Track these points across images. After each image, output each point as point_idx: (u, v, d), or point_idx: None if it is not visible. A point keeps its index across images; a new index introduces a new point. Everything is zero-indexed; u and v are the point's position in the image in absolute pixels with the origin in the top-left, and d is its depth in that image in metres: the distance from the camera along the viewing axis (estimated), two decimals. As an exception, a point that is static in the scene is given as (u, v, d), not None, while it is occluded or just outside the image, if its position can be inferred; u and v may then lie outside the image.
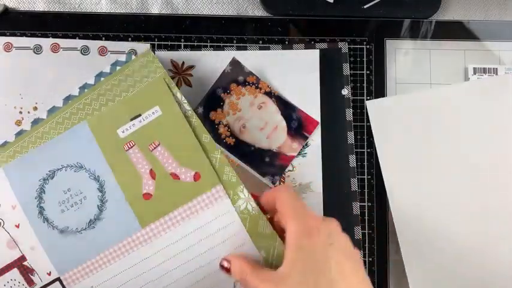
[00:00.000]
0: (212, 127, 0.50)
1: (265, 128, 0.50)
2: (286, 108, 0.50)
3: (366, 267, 0.50)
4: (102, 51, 0.49)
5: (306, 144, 0.50)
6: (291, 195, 0.39)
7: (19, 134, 0.47)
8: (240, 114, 0.50)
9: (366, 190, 0.51)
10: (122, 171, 0.45)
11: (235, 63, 0.50)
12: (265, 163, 0.50)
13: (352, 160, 0.51)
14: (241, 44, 0.52)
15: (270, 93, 0.50)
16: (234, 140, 0.50)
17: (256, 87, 0.50)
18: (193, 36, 0.53)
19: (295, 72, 0.51)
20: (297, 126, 0.50)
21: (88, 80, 0.47)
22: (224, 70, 0.50)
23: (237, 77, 0.50)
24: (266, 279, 0.37)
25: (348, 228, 0.50)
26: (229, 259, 0.41)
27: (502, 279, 0.48)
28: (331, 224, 0.38)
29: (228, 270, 0.41)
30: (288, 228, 0.38)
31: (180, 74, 0.51)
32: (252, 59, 0.51)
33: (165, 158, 0.45)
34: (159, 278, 0.44)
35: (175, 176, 0.44)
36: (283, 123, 0.50)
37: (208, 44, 0.53)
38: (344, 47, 0.52)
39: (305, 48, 0.52)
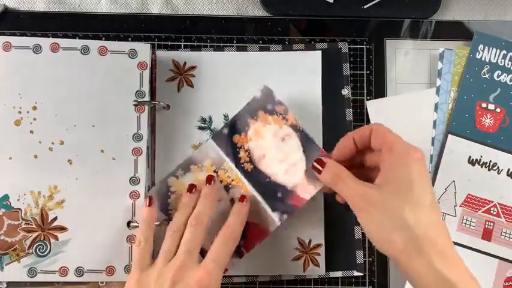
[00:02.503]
0: (233, 150, 0.48)
1: (285, 161, 0.48)
2: (309, 147, 0.47)
3: (366, 267, 0.50)
4: (102, 51, 0.49)
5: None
6: (388, 129, 0.41)
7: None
8: (263, 142, 0.48)
9: (366, 190, 0.51)
10: None
11: (267, 91, 0.48)
12: (277, 198, 0.47)
13: (353, 160, 0.51)
14: (241, 44, 0.52)
15: (296, 127, 0.48)
16: (252, 166, 0.48)
17: (283, 118, 0.48)
18: (193, 36, 0.53)
19: (297, 73, 0.51)
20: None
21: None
22: (254, 96, 0.48)
23: (266, 104, 0.48)
24: (361, 183, 0.40)
25: (348, 228, 0.50)
26: (325, 161, 0.43)
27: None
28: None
29: (319, 172, 0.43)
30: (387, 151, 0.39)
31: (182, 74, 0.51)
32: (253, 59, 0.51)
33: None
34: None
35: None
36: (303, 162, 0.47)
37: (208, 44, 0.53)
38: (344, 47, 0.52)
39: (305, 49, 0.52)
